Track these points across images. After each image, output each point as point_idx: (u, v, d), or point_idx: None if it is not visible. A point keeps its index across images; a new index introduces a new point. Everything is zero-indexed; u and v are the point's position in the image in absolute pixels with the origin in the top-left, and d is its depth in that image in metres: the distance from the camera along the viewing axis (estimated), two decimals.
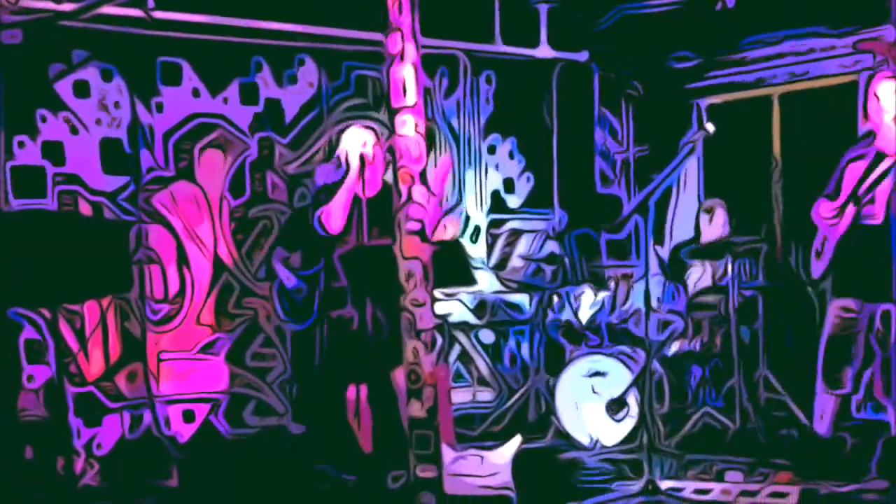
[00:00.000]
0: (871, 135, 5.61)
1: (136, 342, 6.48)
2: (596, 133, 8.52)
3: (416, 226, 4.33)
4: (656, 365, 6.82)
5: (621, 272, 7.77)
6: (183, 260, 6.66)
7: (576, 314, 7.58)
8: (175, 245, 6.63)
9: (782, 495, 5.26)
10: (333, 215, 5.74)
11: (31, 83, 6.14)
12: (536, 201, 8.25)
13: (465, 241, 7.75)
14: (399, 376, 4.74)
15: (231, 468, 5.20)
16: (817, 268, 5.72)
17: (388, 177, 5.10)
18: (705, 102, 8.22)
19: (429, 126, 5.69)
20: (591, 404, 6.79)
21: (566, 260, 8.19)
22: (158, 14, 6.41)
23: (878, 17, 6.64)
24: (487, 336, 7.85)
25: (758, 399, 6.56)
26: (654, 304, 7.01)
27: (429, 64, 6.25)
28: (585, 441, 6.74)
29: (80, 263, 5.02)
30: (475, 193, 7.93)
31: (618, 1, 7.97)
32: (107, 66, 6.38)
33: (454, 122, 7.83)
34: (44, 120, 6.19)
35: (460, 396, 7.55)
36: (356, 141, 5.79)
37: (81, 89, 6.31)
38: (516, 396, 7.45)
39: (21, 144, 6.12)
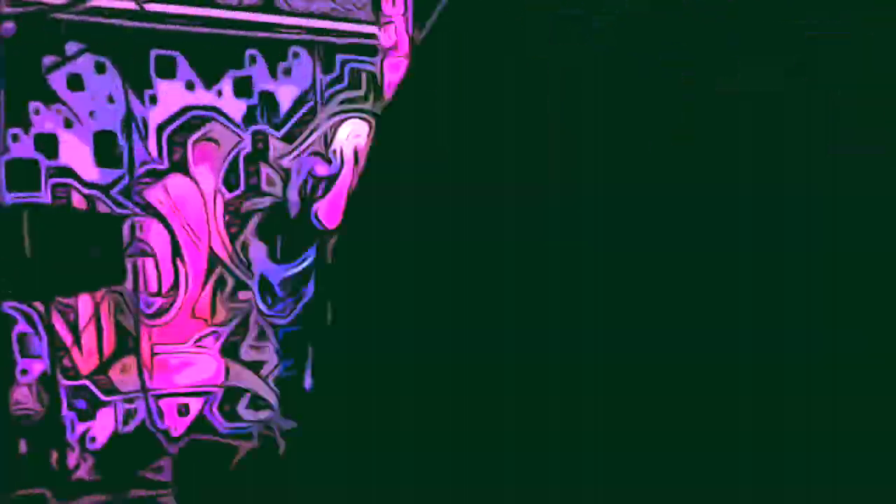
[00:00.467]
0: None
1: (130, 335, 6.48)
2: None
3: None
4: None
5: None
6: (177, 253, 6.65)
7: None
8: (169, 238, 6.62)
9: None
10: (329, 209, 5.74)
11: (25, 75, 6.14)
12: None
13: None
14: None
15: (225, 463, 5.20)
16: None
17: None
18: None
19: None
20: None
21: None
22: (151, 7, 6.40)
23: None
24: None
25: None
26: None
27: None
28: None
29: (74, 256, 5.01)
30: None
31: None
32: (100, 59, 6.37)
33: None
34: (37, 112, 6.18)
35: None
36: (354, 133, 5.79)
37: (75, 82, 6.30)
38: None
39: (15, 137, 6.11)
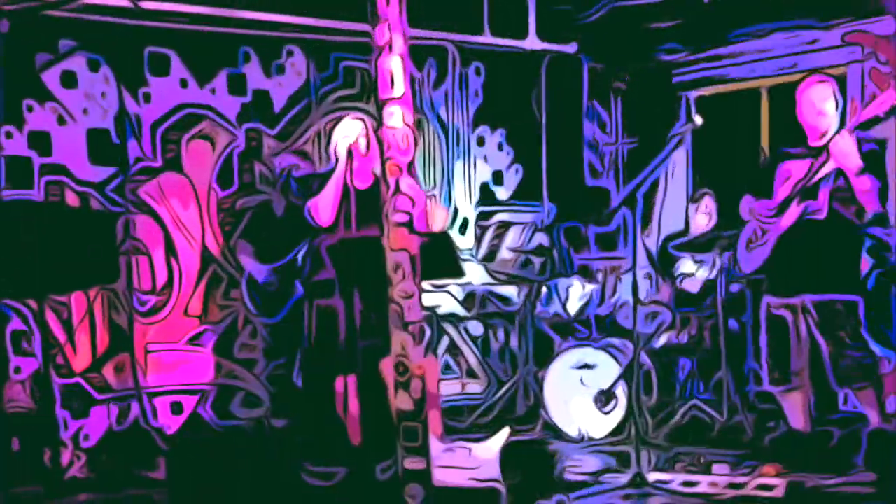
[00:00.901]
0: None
1: (124, 333, 6.48)
2: (585, 125, 8.52)
3: (403, 217, 4.32)
4: (644, 357, 6.83)
5: (610, 264, 7.78)
6: (171, 251, 6.65)
7: (564, 306, 7.59)
8: (163, 236, 6.61)
9: (769, 488, 5.28)
10: (322, 207, 5.73)
11: (19, 73, 6.13)
12: (525, 193, 8.24)
13: (454, 232, 7.75)
14: (387, 368, 4.73)
15: (218, 460, 5.19)
16: (749, 262, 5.72)
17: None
18: (694, 94, 8.22)
19: (417, 118, 5.68)
20: (580, 396, 6.81)
21: (555, 252, 8.19)
22: (146, 4, 6.39)
23: (867, 10, 6.67)
24: (476, 328, 7.85)
25: (745, 392, 6.58)
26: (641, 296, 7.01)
27: (417, 55, 6.25)
28: (574, 433, 6.75)
29: (68, 254, 5.01)
30: (464, 185, 7.92)
31: None
32: (94, 56, 6.36)
33: (443, 114, 7.82)
34: (30, 109, 6.17)
35: (449, 388, 7.55)
36: (346, 132, 5.78)
37: (69, 79, 6.29)
38: (505, 388, 7.46)
39: (8, 135, 6.09)
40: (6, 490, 5.34)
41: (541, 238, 8.23)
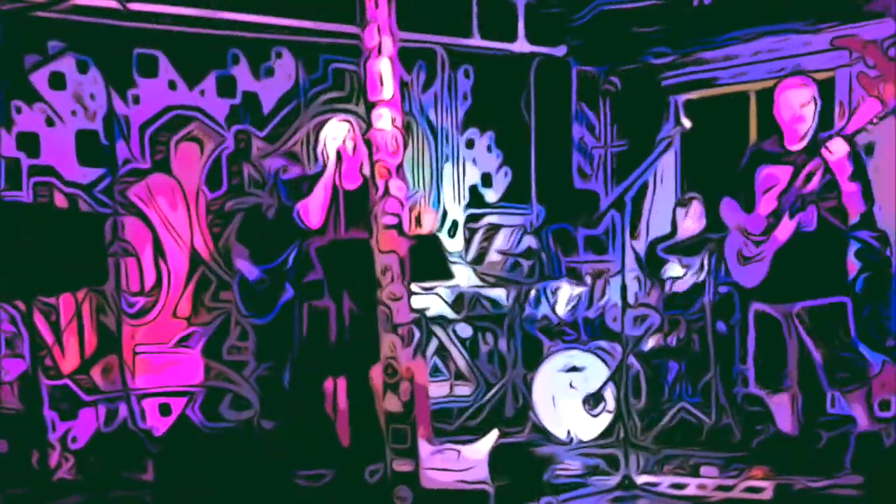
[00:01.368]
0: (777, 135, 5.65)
1: (112, 335, 6.46)
2: (574, 128, 8.53)
3: (392, 220, 4.32)
4: (633, 360, 6.84)
5: (598, 267, 7.78)
6: (159, 252, 6.63)
7: (553, 309, 7.59)
8: (151, 237, 6.60)
9: (757, 490, 5.29)
10: (312, 209, 5.73)
11: (8, 74, 6.11)
12: (514, 196, 8.25)
13: (443, 235, 7.74)
14: (377, 376, 4.72)
15: (207, 462, 5.18)
16: (747, 277, 5.69)
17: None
18: (682, 98, 8.23)
19: (406, 120, 5.68)
20: (568, 399, 6.81)
21: (543, 255, 8.20)
22: (134, 6, 6.38)
23: (862, 13, 6.70)
24: (465, 330, 7.85)
25: (734, 394, 6.59)
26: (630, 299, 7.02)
27: (406, 58, 6.25)
28: (562, 436, 6.76)
29: (56, 256, 4.99)
30: (453, 188, 7.92)
31: None
32: (82, 58, 6.35)
33: (432, 116, 7.82)
34: (19, 111, 6.15)
35: (438, 390, 7.55)
36: (333, 134, 5.78)
37: (57, 81, 6.28)
38: (493, 391, 7.46)
39: None
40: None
41: (530, 241, 8.24)
